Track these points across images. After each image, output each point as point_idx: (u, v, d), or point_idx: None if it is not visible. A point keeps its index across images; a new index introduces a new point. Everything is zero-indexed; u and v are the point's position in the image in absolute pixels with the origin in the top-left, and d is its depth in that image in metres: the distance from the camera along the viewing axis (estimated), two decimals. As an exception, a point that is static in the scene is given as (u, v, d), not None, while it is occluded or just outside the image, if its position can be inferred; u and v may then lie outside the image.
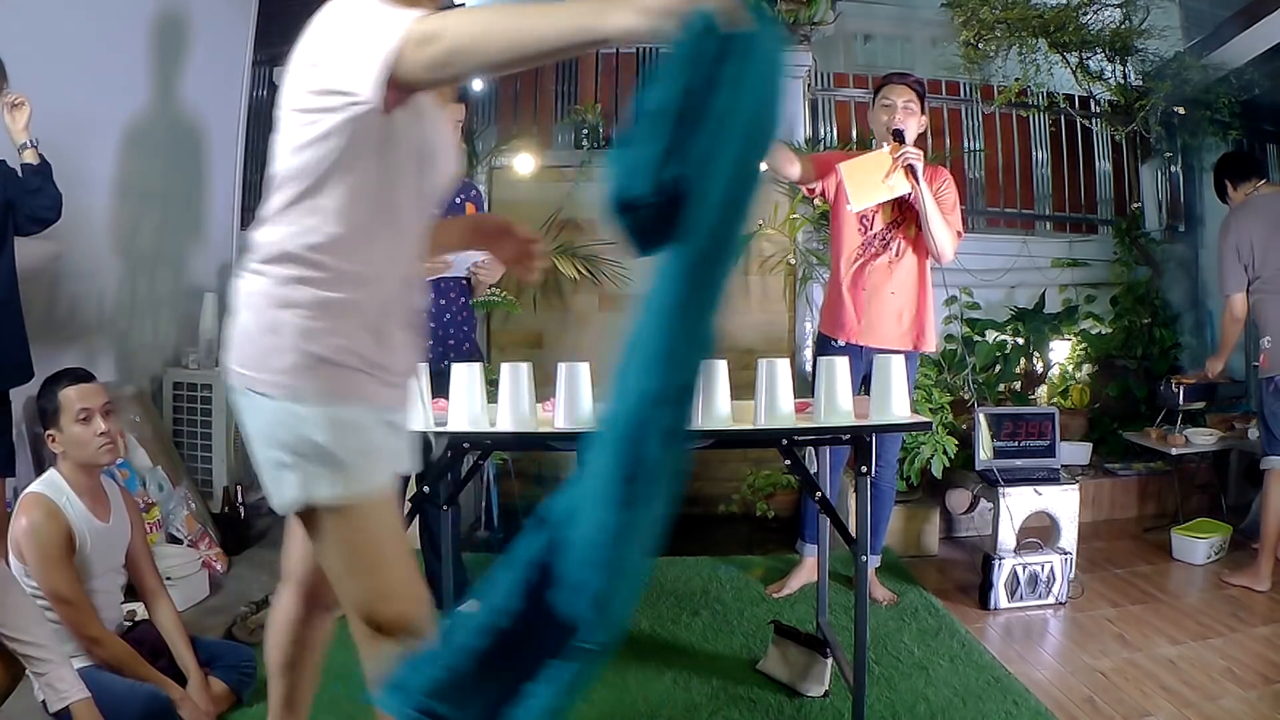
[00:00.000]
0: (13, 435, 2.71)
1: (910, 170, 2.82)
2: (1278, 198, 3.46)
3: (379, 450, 1.39)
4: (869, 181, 2.84)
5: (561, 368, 1.98)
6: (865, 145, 4.23)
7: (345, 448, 1.33)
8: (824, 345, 3.12)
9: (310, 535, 1.41)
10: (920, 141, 3.04)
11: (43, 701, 1.91)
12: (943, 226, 2.92)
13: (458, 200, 2.93)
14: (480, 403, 1.98)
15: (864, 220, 3.01)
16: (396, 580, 1.40)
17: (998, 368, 4.59)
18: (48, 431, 2.19)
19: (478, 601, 1.15)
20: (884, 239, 3.01)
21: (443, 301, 2.89)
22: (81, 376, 2.24)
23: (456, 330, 2.93)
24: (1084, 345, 4.84)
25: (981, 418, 3.42)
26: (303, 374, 1.32)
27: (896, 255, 3.00)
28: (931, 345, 3.09)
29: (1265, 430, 3.37)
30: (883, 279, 3.00)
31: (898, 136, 2.89)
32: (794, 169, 2.96)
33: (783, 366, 2.00)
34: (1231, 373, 4.24)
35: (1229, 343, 3.62)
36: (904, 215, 2.99)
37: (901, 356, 2.17)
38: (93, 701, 1.90)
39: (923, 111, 3.03)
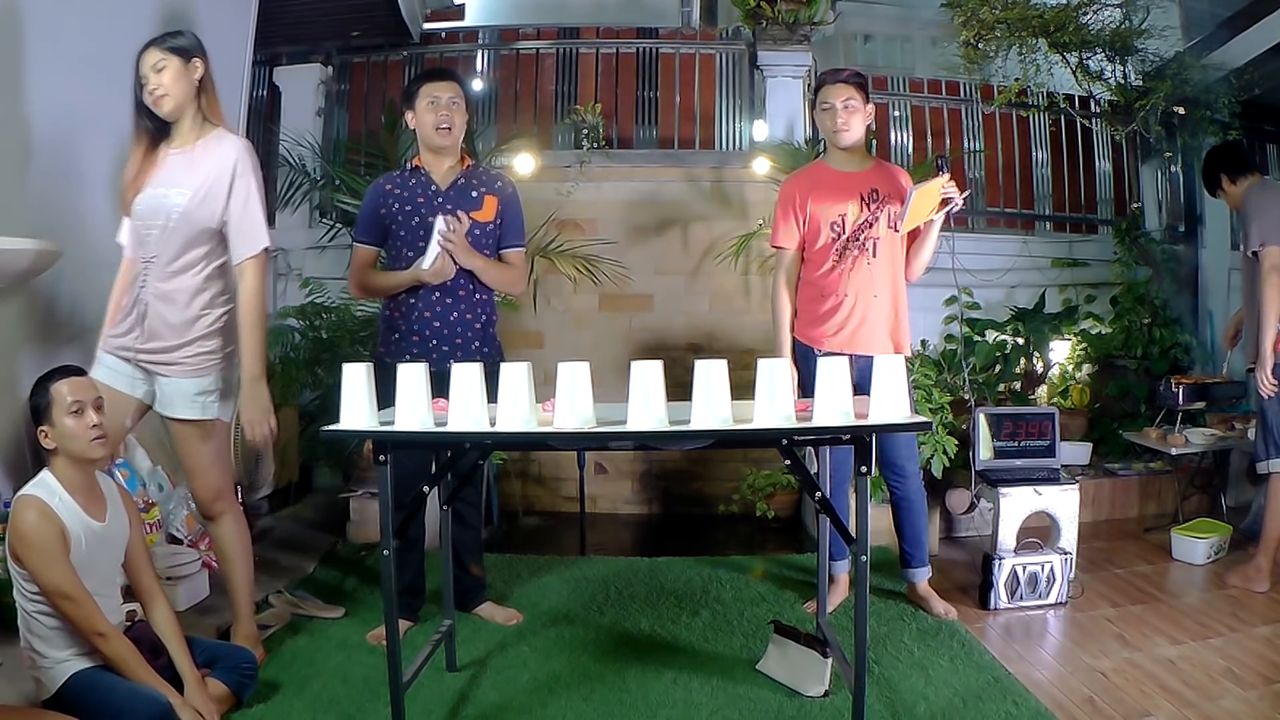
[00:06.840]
0: None
1: (943, 202, 2.84)
2: None
3: None
4: (925, 206, 2.85)
5: (561, 368, 1.98)
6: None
7: None
8: (805, 356, 2.93)
9: None
10: (866, 134, 3.02)
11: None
12: (932, 253, 3.01)
13: (474, 195, 2.93)
14: (480, 403, 1.98)
15: (835, 225, 2.92)
16: None
17: (998, 368, 4.58)
18: (40, 428, 2.15)
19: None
20: (859, 240, 2.91)
21: (449, 300, 2.86)
22: (73, 371, 2.21)
23: (465, 329, 2.88)
24: (1084, 345, 4.85)
25: (981, 418, 3.42)
26: None
27: (874, 256, 2.92)
28: (909, 349, 3.05)
29: (1264, 431, 3.37)
30: (866, 283, 2.92)
31: (942, 167, 2.85)
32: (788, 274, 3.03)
33: (783, 366, 2.00)
34: (1232, 373, 4.24)
35: (1272, 305, 3.20)
36: (874, 216, 2.92)
37: (902, 358, 2.16)
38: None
39: (866, 102, 2.93)
